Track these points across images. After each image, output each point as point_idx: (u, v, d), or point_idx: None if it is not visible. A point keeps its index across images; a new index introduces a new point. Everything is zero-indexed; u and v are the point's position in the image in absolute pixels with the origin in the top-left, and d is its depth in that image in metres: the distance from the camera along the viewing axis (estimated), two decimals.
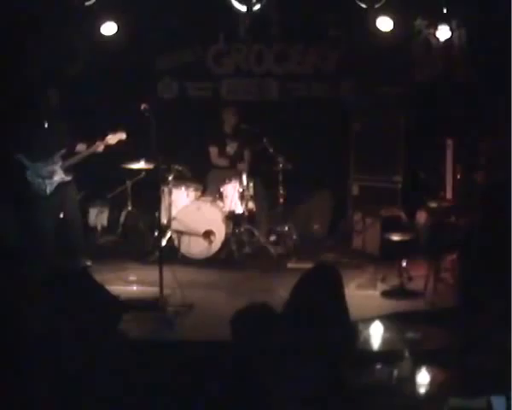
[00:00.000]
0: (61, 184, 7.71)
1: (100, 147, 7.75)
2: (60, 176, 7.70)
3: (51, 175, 7.67)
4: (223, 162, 9.00)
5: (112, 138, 7.79)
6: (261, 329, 3.60)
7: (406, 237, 7.49)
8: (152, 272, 7.06)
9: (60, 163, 7.71)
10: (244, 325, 3.65)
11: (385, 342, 5.97)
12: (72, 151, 7.77)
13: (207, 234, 8.31)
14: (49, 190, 7.65)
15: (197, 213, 8.38)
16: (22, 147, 7.63)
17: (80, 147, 7.79)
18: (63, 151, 7.72)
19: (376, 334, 6.12)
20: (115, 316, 5.70)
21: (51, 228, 7.69)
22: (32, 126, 7.71)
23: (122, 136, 7.84)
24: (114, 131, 7.80)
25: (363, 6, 8.09)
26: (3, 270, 6.52)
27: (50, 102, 7.68)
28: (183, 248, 8.28)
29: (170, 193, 8.38)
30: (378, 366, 4.98)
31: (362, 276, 7.75)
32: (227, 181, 8.63)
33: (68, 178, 7.75)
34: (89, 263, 7.74)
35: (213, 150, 9.01)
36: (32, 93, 8.07)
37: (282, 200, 8.73)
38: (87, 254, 7.93)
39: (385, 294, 7.22)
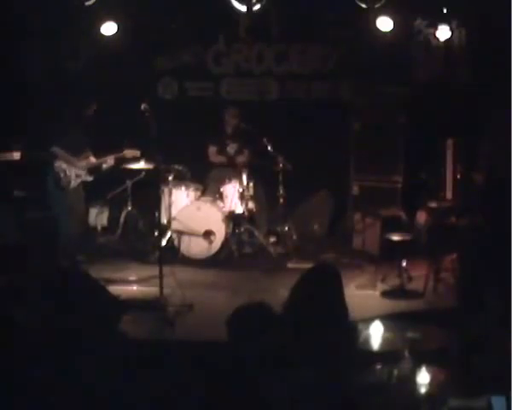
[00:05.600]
0: (82, 183, 8.09)
1: (121, 158, 8.32)
2: (84, 175, 8.06)
3: (78, 172, 8.00)
4: (221, 159, 9.00)
5: (129, 153, 8.30)
6: (259, 328, 3.60)
7: (406, 237, 7.49)
8: (152, 272, 7.07)
9: (85, 163, 8.06)
10: (241, 325, 3.64)
11: (385, 342, 5.96)
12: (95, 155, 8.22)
13: (207, 234, 8.31)
14: (72, 184, 7.97)
15: (197, 213, 8.39)
16: (59, 140, 7.94)
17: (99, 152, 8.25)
18: (89, 153, 8.11)
19: (376, 334, 6.11)
20: (115, 316, 5.69)
21: (66, 221, 7.93)
22: (70, 125, 8.03)
23: (136, 153, 8.31)
24: (132, 147, 8.26)
25: (363, 6, 8.09)
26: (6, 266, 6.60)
27: (89, 107, 8.07)
28: (183, 248, 8.28)
29: (170, 193, 8.38)
30: (378, 366, 4.97)
31: (362, 276, 7.75)
32: (227, 181, 8.64)
33: (90, 179, 8.14)
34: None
35: (212, 149, 9.02)
36: (72, 95, 8.42)
37: (282, 200, 8.72)
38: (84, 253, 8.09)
39: (385, 294, 7.22)
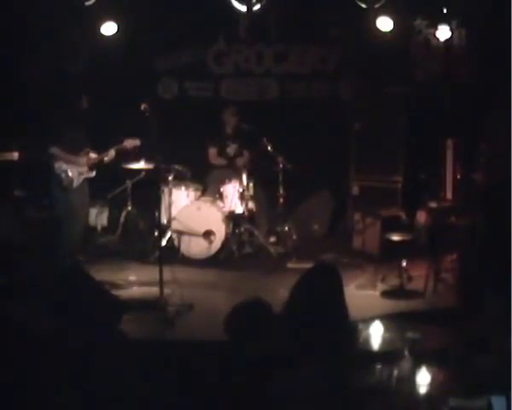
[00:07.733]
0: (85, 180, 8.01)
1: (122, 149, 8.16)
2: (86, 172, 7.98)
3: (80, 170, 7.92)
4: (221, 161, 9.01)
5: (129, 143, 8.13)
6: (257, 326, 3.61)
7: (406, 237, 7.48)
8: (152, 272, 7.06)
9: (85, 160, 7.97)
10: (237, 323, 3.65)
11: (385, 342, 5.96)
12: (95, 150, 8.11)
13: (207, 234, 8.31)
14: (75, 183, 7.89)
15: (197, 213, 8.39)
16: (57, 140, 7.85)
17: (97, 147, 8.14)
18: (88, 149, 8.01)
19: (376, 334, 6.12)
20: (115, 316, 5.70)
21: (68, 221, 7.84)
22: (68, 123, 7.92)
23: (137, 142, 8.14)
24: (131, 137, 8.11)
25: (363, 6, 8.08)
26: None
27: (82, 102, 7.96)
28: (183, 248, 8.28)
29: (170, 193, 8.38)
30: (378, 366, 4.98)
31: (362, 276, 7.75)
32: (227, 181, 8.63)
33: (92, 175, 8.04)
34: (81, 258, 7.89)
35: (212, 151, 9.03)
36: (69, 93, 8.28)
37: (281, 200, 8.72)
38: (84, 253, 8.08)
39: (385, 294, 7.22)
